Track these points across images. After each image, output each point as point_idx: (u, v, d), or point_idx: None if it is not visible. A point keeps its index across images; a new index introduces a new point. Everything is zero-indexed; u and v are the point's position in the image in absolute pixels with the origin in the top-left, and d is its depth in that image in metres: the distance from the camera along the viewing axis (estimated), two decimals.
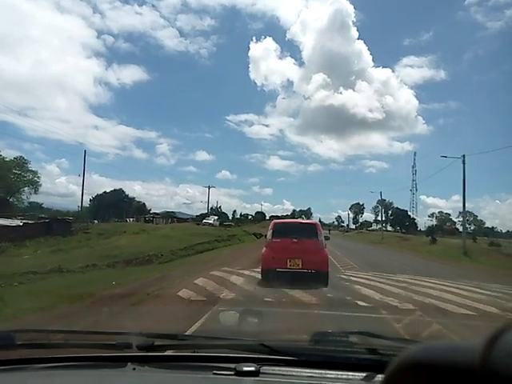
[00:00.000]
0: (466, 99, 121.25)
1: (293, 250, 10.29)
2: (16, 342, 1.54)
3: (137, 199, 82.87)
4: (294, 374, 1.39)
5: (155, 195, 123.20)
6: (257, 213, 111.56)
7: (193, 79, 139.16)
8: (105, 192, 79.69)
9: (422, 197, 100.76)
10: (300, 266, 10.29)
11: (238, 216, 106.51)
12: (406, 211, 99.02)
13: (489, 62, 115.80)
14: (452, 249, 34.21)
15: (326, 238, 11.21)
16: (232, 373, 1.36)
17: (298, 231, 10.82)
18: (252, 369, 1.37)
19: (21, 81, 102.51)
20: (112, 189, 79.44)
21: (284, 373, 1.39)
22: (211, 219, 51.00)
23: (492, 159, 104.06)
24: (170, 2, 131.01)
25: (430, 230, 54.75)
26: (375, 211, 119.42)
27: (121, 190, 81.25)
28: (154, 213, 70.85)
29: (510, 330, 0.46)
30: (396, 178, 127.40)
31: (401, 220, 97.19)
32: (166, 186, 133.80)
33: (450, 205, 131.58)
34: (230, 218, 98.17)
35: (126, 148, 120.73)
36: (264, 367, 1.40)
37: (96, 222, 51.63)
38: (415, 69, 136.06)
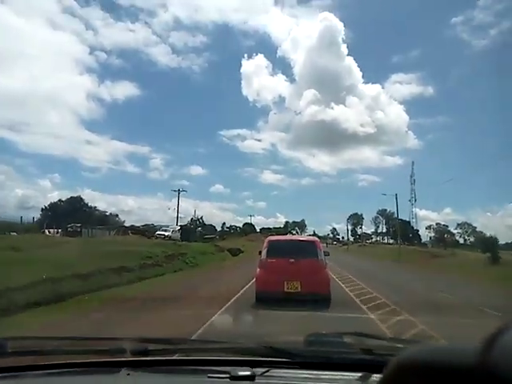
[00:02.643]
0: (454, 115, 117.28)
1: (290, 271, 9.45)
2: (8, 350, 1.49)
3: (100, 208, 72.19)
4: (289, 375, 1.38)
5: (149, 209, 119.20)
6: (245, 224, 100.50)
7: (186, 95, 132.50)
8: (60, 200, 69.12)
9: (415, 209, 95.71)
10: (299, 290, 9.32)
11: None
12: (409, 222, 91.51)
13: (475, 79, 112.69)
14: None
15: (326, 254, 10.41)
16: (227, 376, 1.34)
17: (295, 250, 10.02)
18: (247, 372, 1.35)
19: (13, 96, 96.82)
20: (68, 196, 68.46)
21: (279, 375, 1.38)
22: (169, 230, 37.58)
23: (482, 172, 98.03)
24: (162, 19, 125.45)
25: (491, 243, 30.27)
26: (375, 222, 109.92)
27: (79, 197, 69.85)
28: (124, 224, 58.45)
29: (508, 330, 0.45)
30: (389, 191, 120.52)
31: (403, 231, 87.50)
32: (158, 200, 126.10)
33: (441, 217, 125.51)
34: (219, 230, 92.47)
35: (118, 163, 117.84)
36: (259, 369, 1.38)
37: (15, 234, 38.35)
38: (404, 85, 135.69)
